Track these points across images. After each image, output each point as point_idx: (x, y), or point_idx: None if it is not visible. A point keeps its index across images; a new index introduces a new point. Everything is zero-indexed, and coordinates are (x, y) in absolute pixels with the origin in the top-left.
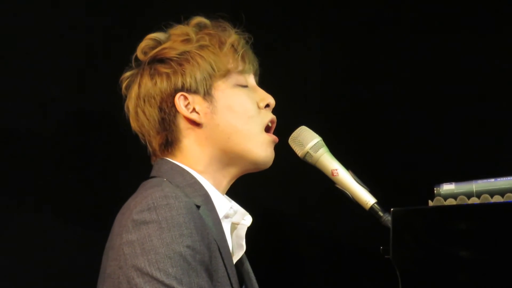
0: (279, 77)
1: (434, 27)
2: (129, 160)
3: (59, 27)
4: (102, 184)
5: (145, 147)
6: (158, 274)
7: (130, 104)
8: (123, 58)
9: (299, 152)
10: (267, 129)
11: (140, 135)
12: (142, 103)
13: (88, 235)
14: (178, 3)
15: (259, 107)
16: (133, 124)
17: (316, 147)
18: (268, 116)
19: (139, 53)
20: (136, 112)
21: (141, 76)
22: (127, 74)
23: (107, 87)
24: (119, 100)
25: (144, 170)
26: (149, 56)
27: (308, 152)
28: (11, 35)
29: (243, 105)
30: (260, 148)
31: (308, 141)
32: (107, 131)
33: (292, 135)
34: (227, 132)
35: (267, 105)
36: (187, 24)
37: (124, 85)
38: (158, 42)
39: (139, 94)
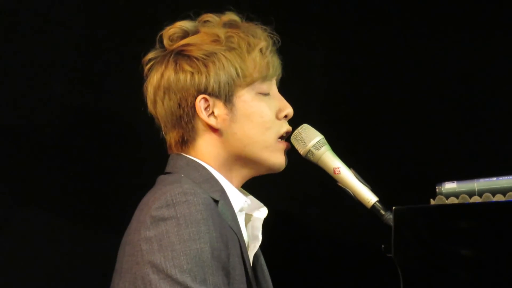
0: (282, 74)
1: (438, 28)
2: (135, 159)
3: (62, 22)
4: (106, 183)
5: (155, 142)
6: (173, 271)
7: (150, 88)
8: (129, 55)
9: (301, 150)
10: (280, 138)
11: (155, 119)
12: (162, 94)
13: (90, 234)
14: (186, 3)
15: (277, 117)
16: (150, 108)
17: (318, 145)
18: (284, 127)
19: (165, 39)
20: (155, 100)
21: (166, 67)
22: (151, 55)
23: (111, 84)
24: (124, 97)
25: (151, 169)
26: (175, 46)
27: (310, 150)
28: (13, 33)
29: (262, 116)
30: (275, 156)
31: (310, 139)
32: (110, 130)
33: (294, 133)
34: (243, 142)
35: (285, 116)
36: (219, 17)
37: (147, 67)
38: (186, 33)
39: (160, 85)
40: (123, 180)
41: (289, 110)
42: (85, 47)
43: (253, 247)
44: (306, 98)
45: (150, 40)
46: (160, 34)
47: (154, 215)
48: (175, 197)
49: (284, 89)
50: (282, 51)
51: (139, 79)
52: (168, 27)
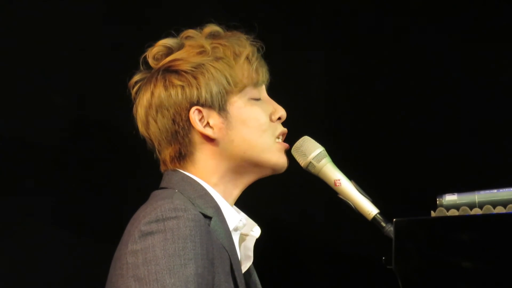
0: (282, 86)
1: (441, 37)
2: (134, 169)
3: (63, 32)
4: (105, 192)
5: (152, 153)
6: (155, 285)
7: (141, 110)
8: (128, 64)
9: (302, 162)
10: (277, 139)
11: (148, 140)
12: (154, 112)
13: (89, 244)
14: (180, 11)
15: (271, 120)
16: (142, 130)
17: (318, 157)
18: (279, 129)
19: (150, 59)
20: (147, 121)
21: (154, 85)
22: (137, 77)
23: (111, 93)
24: (125, 107)
25: (149, 179)
26: (161, 64)
27: (310, 162)
28: (14, 41)
29: (257, 119)
30: (276, 156)
31: (311, 151)
32: (109, 139)
33: (295, 145)
34: (242, 148)
35: (279, 118)
36: (200, 31)
37: (134, 89)
38: (170, 50)
39: (151, 103)
40: (125, 189)
41: (282, 112)
42: (84, 59)
43: (245, 266)
44: (306, 110)
45: (143, 52)
46: (143, 56)
47: (142, 229)
48: (165, 212)
49: (284, 100)
50: (282, 61)
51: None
52: (151, 48)
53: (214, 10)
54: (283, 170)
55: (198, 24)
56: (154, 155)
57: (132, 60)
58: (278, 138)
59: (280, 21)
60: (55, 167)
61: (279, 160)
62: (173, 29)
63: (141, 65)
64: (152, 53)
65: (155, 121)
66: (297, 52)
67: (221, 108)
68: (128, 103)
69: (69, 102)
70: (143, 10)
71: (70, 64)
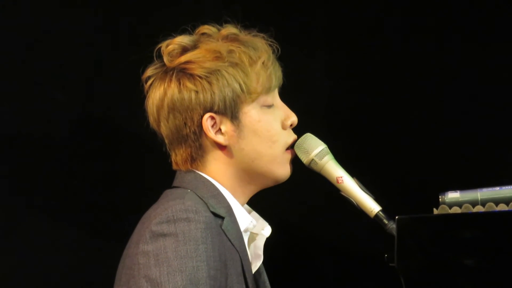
0: (284, 84)
1: (443, 37)
2: (138, 166)
3: (66, 32)
4: (108, 191)
5: (160, 150)
6: (167, 286)
7: (153, 106)
8: (132, 63)
9: (304, 159)
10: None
11: (158, 134)
12: (166, 113)
13: (95, 243)
14: (181, 12)
15: (283, 128)
16: (153, 124)
17: (321, 155)
18: (291, 137)
19: (165, 56)
20: (159, 119)
21: (168, 85)
22: (150, 71)
23: (115, 92)
24: (127, 104)
25: (158, 177)
26: (176, 63)
27: (313, 159)
28: (18, 40)
29: (269, 130)
30: (281, 168)
31: (313, 148)
32: (112, 136)
33: (297, 142)
34: (251, 156)
35: (290, 125)
36: (217, 28)
37: (148, 83)
38: (185, 48)
39: (164, 103)
40: (130, 189)
41: (293, 119)
42: (88, 56)
43: (254, 266)
44: (309, 108)
45: (152, 47)
46: (157, 48)
47: (154, 230)
48: (176, 213)
49: (287, 98)
50: (284, 60)
51: (143, 87)
52: (166, 43)
53: (213, 7)
54: (285, 180)
55: (204, 20)
56: (163, 148)
57: (135, 55)
58: (288, 149)
59: (281, 19)
60: (58, 164)
61: (284, 172)
62: (189, 26)
63: (155, 57)
64: (168, 50)
65: (167, 121)
66: (298, 50)
67: (233, 116)
68: (135, 99)
69: (73, 98)
70: (158, 5)
71: (73, 60)
